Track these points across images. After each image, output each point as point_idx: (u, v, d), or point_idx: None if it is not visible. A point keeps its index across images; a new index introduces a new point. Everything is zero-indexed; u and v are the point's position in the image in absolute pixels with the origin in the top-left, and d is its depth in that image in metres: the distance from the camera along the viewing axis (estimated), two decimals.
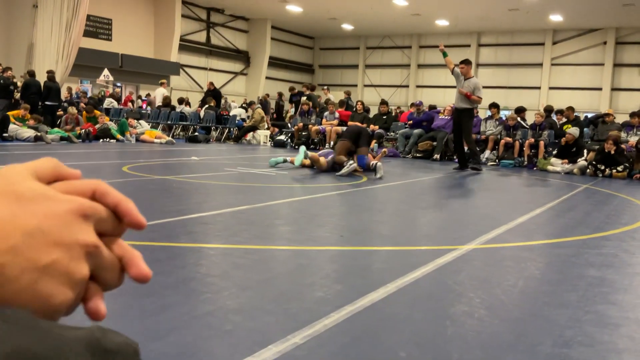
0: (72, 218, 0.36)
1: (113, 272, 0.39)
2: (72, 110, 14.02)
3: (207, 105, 17.38)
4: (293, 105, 18.82)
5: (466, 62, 10.13)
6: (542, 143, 11.83)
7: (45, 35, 18.69)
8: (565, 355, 2.09)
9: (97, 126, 13.60)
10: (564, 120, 12.56)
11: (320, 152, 9.09)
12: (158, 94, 19.30)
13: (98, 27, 23.18)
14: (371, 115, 15.42)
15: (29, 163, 0.38)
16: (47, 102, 14.37)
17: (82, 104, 16.33)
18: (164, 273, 2.83)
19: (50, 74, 14.79)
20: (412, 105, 16.50)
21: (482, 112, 15.30)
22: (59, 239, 0.35)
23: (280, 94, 21.54)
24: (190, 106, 19.54)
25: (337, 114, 14.46)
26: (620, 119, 15.37)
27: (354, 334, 2.18)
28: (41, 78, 15.07)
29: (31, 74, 14.81)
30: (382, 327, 2.27)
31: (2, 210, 0.34)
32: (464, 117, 10.17)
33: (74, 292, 0.36)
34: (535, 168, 11.58)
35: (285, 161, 8.91)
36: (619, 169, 10.37)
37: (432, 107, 14.61)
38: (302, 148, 8.67)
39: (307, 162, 8.73)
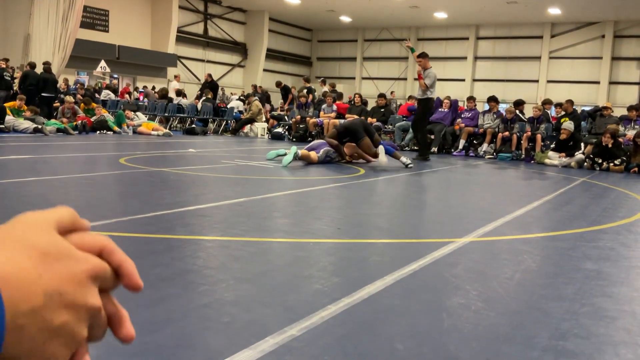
0: (85, 279, 0.37)
1: (102, 329, 0.40)
2: (70, 99, 13.95)
3: (204, 97, 17.33)
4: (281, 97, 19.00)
5: (423, 55, 10.60)
6: (539, 136, 11.83)
7: (41, 26, 18.59)
8: (562, 347, 2.10)
9: (93, 118, 13.56)
10: (562, 113, 12.56)
11: (311, 144, 8.96)
12: (171, 87, 19.39)
13: (95, 18, 23.07)
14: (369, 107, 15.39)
15: (50, 213, 0.40)
16: (43, 94, 14.32)
17: (78, 96, 16.27)
18: (161, 265, 2.83)
19: (47, 66, 14.72)
20: (411, 97, 16.48)
21: (480, 106, 15.28)
22: (72, 301, 0.36)
23: (254, 86, 21.62)
24: (186, 97, 19.51)
25: (334, 107, 14.44)
26: (618, 112, 15.38)
27: (351, 326, 2.18)
28: (38, 69, 14.99)
29: (32, 65, 14.76)
30: (379, 319, 2.28)
31: (28, 268, 0.35)
32: (420, 106, 10.76)
33: (71, 351, 0.37)
34: (532, 161, 11.59)
35: (285, 154, 8.65)
36: (616, 162, 10.39)
37: None
38: (294, 149, 8.38)
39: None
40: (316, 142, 8.98)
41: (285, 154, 8.47)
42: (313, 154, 8.49)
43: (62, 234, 0.39)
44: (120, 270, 0.41)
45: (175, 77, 21.24)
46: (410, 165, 8.68)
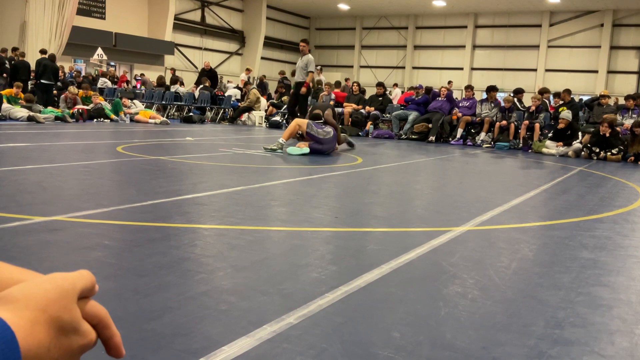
0: (78, 354, 0.44)
1: None
2: (74, 89, 13.91)
3: (202, 86, 17.25)
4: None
5: (305, 40, 11.43)
6: (537, 125, 11.82)
7: (38, 14, 18.46)
8: (558, 335, 2.11)
9: (90, 106, 13.51)
10: (560, 102, 12.55)
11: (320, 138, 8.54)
12: (240, 79, 18.96)
13: (91, 5, 22.91)
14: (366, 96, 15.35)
15: (78, 279, 0.45)
16: (42, 81, 14.25)
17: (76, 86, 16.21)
18: (159, 253, 2.83)
19: (51, 54, 14.68)
20: (412, 88, 16.45)
21: (478, 95, 15.24)
22: None
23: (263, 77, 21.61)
24: (184, 85, 19.41)
25: (332, 95, 14.40)
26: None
27: (348, 315, 2.19)
28: (34, 56, 14.92)
29: (22, 55, 14.76)
30: (376, 307, 2.29)
31: (44, 344, 0.40)
32: (299, 89, 11.14)
33: None
34: (530, 150, 11.59)
35: (281, 147, 8.32)
36: (614, 151, 10.39)
37: (429, 90, 14.50)
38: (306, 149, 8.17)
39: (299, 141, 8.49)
40: (324, 135, 8.32)
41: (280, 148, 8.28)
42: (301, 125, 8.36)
43: (80, 297, 0.45)
44: (109, 343, 0.47)
45: (247, 70, 21.09)
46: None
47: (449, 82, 14.35)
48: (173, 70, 21.45)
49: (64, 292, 0.43)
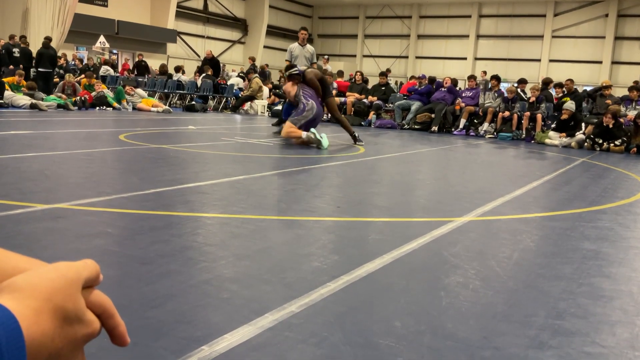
0: (82, 343, 0.44)
1: None
2: (70, 77, 13.87)
3: (204, 74, 17.21)
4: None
5: (305, 28, 10.95)
6: (539, 116, 11.78)
7: (40, 1, 18.38)
8: (559, 326, 2.11)
9: (93, 94, 13.48)
10: (563, 92, 12.49)
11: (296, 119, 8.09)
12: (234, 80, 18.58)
13: None
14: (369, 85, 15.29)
15: (82, 269, 0.45)
16: (39, 69, 14.21)
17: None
18: (161, 242, 2.84)
19: (45, 41, 14.63)
20: (412, 77, 16.38)
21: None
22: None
23: (252, 59, 21.24)
24: (194, 75, 19.34)
25: (335, 85, 14.35)
26: (620, 92, 15.30)
27: (350, 304, 2.20)
28: (37, 44, 14.88)
29: (24, 42, 14.74)
30: (377, 297, 2.29)
31: (48, 333, 0.40)
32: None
33: None
34: (533, 141, 11.56)
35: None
36: (617, 142, 10.37)
37: (432, 80, 14.42)
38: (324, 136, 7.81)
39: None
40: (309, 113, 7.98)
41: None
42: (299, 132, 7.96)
43: (84, 286, 0.45)
44: (113, 332, 0.48)
45: (250, 59, 20.67)
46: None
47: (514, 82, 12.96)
48: (141, 55, 21.20)
49: (69, 281, 0.43)
